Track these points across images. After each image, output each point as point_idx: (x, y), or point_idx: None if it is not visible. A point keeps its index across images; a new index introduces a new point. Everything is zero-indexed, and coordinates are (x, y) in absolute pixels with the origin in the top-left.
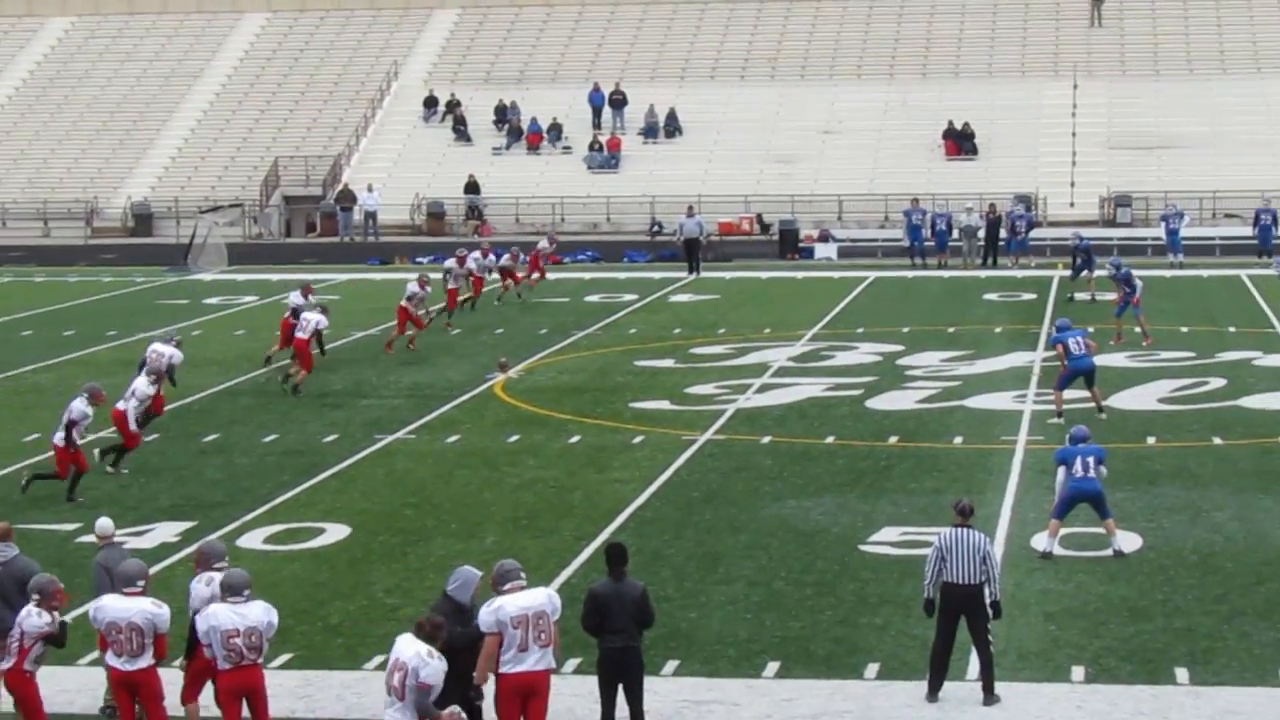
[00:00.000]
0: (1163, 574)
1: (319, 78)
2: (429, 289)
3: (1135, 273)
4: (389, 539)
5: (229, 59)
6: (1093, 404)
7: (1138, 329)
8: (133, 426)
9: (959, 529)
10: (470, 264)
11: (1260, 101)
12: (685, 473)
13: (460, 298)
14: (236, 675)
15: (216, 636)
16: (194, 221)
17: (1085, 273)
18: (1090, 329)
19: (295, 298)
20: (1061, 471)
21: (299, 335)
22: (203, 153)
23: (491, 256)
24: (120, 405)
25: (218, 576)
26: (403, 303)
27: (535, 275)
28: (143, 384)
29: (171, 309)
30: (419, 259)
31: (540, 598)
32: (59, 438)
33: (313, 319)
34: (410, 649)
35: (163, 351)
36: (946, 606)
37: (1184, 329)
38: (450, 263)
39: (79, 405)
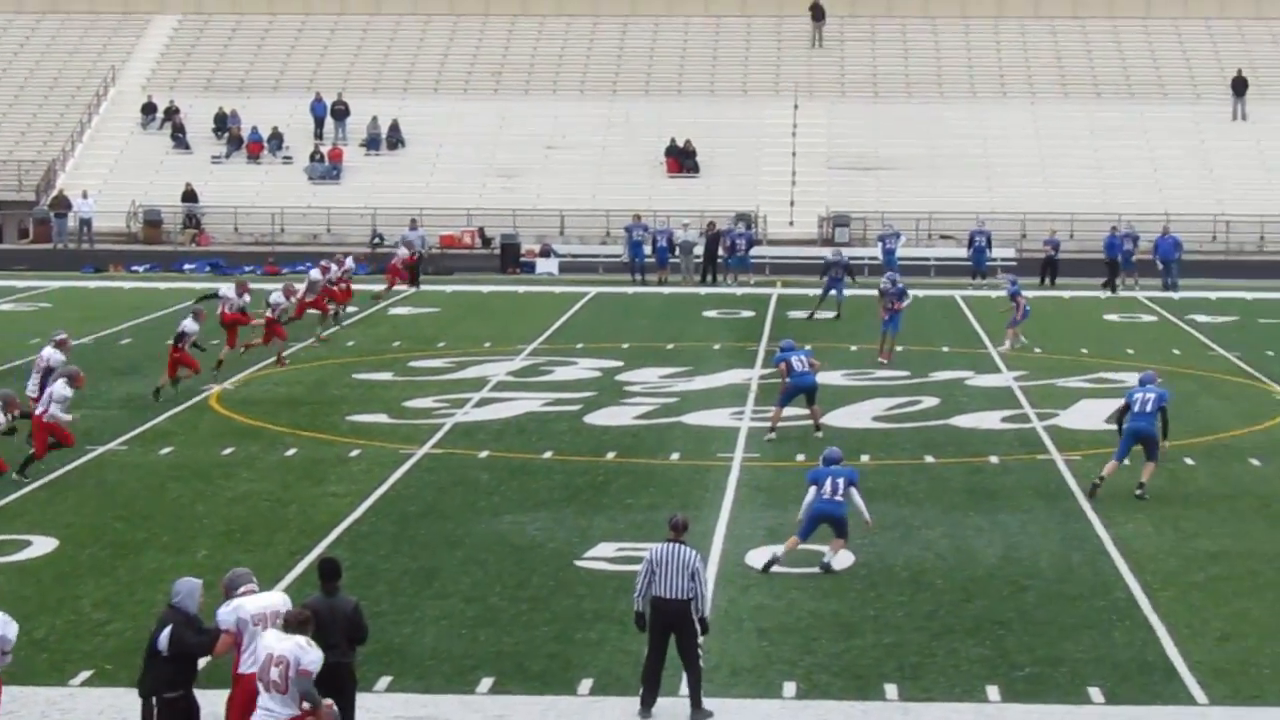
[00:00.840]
0: (874, 590)
1: (34, 81)
2: (294, 299)
3: (850, 293)
4: (98, 552)
5: None
6: (810, 421)
7: (880, 345)
8: (65, 421)
9: (671, 544)
10: (333, 274)
11: (975, 125)
12: (402, 487)
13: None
14: None
15: None
16: None
17: (833, 292)
18: (809, 347)
19: (226, 292)
20: (812, 491)
21: (170, 341)
22: None
23: (345, 265)
24: (43, 413)
25: None
26: (268, 314)
27: (400, 284)
28: (60, 387)
29: None
30: (134, 267)
31: (278, 599)
32: None
33: (183, 325)
34: (285, 643)
35: (46, 355)
36: (656, 621)
37: (899, 348)
38: (314, 273)
39: None
